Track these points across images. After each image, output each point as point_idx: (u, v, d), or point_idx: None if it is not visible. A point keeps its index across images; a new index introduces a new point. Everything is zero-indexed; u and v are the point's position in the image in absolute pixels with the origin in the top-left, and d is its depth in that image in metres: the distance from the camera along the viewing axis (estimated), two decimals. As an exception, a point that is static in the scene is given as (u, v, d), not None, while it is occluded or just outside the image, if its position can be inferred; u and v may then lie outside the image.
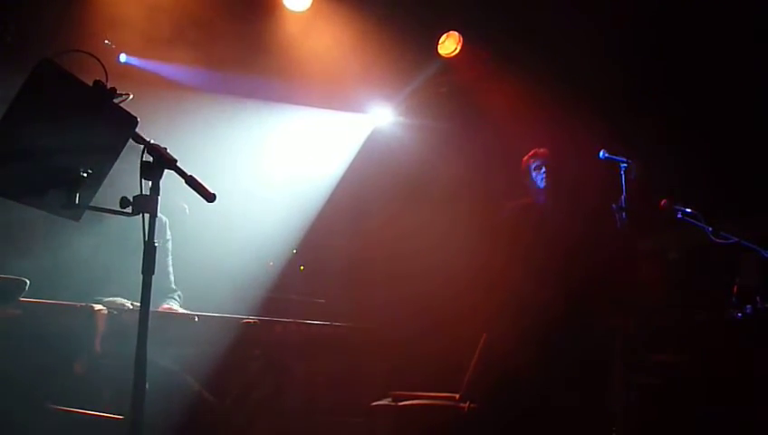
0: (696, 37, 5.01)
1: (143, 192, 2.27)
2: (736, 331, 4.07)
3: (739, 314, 3.99)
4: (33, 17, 4.50)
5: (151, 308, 2.25)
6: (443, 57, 5.92)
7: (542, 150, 4.58)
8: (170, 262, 3.80)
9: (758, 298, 3.97)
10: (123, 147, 2.38)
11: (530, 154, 4.59)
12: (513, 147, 4.83)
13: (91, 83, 2.26)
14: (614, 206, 3.86)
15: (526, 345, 4.10)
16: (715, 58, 4.96)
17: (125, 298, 3.23)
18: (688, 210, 3.89)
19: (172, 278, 3.78)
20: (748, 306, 3.96)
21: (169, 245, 3.80)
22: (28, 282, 2.71)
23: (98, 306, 2.93)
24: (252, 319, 3.47)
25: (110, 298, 3.18)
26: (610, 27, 5.19)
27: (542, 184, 4.49)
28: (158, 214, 3.47)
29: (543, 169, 4.48)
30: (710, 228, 3.80)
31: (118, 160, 2.38)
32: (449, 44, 5.89)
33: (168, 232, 3.80)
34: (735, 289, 4.16)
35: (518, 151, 4.68)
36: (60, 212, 2.29)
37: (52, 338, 2.79)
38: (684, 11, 4.99)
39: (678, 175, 4.85)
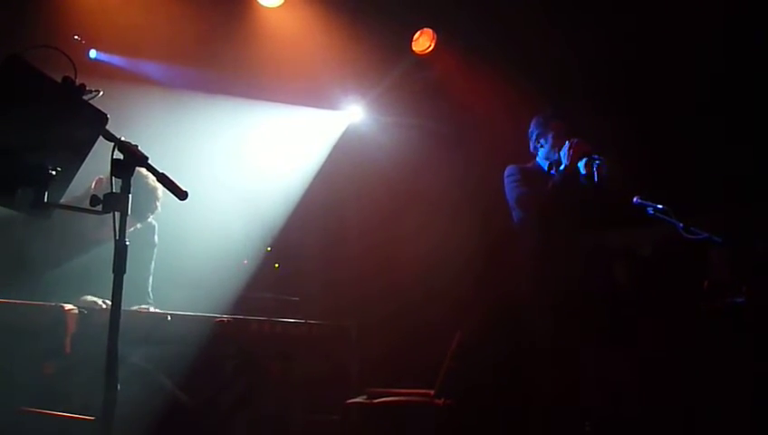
0: (659, 31, 5.07)
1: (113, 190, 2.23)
2: (708, 326, 4.12)
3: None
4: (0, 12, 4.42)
5: (125, 307, 2.22)
6: (417, 54, 5.93)
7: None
8: (152, 267, 3.78)
9: (728, 293, 4.02)
10: (93, 144, 2.34)
11: (553, 121, 4.21)
12: (487, 143, 4.84)
13: (59, 80, 2.21)
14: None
15: (499, 341, 4.12)
16: (683, 50, 5.01)
17: (99, 297, 3.19)
18: (659, 206, 3.92)
19: (150, 282, 3.76)
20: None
21: (155, 250, 3.78)
22: None
23: (68, 306, 2.89)
24: (226, 317, 3.45)
25: (85, 297, 3.15)
26: (581, 25, 5.24)
27: (555, 156, 4.12)
28: (150, 219, 3.51)
29: (567, 144, 4.04)
30: (681, 224, 3.83)
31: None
32: (423, 41, 5.90)
33: (156, 237, 3.79)
34: (706, 284, 4.20)
35: (492, 147, 4.69)
36: (29, 211, 2.24)
37: (21, 338, 2.74)
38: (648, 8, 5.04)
39: (648, 171, 4.89)
